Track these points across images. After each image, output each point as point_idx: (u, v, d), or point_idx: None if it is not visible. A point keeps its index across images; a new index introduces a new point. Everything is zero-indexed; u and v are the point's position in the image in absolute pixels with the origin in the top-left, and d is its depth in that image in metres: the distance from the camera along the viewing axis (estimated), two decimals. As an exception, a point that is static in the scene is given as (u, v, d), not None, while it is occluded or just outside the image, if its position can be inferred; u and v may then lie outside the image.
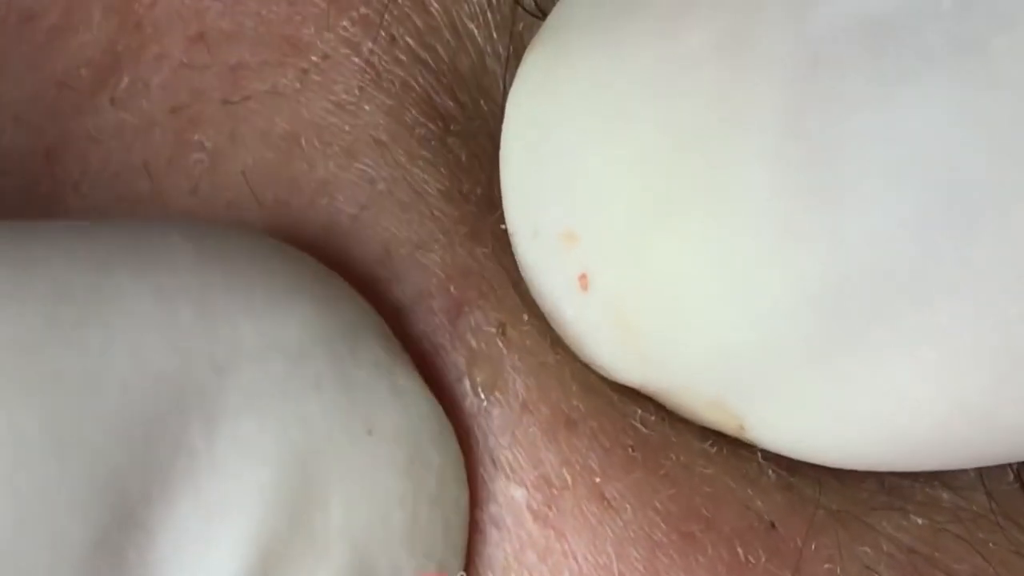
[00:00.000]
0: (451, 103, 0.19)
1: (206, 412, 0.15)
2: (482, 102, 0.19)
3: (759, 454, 0.18)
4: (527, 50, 0.18)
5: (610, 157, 0.17)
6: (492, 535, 0.18)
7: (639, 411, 0.18)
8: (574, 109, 0.17)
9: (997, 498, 0.18)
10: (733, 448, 0.18)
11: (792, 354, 0.15)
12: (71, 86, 0.20)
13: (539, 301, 0.18)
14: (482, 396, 0.18)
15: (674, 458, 0.18)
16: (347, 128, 0.19)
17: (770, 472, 0.18)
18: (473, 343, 0.18)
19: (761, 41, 0.15)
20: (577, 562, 0.18)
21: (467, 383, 0.18)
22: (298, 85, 0.19)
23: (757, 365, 0.16)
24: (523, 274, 0.18)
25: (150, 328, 0.15)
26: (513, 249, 0.18)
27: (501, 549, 0.18)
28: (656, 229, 0.16)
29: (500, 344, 0.18)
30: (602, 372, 0.18)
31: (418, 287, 0.19)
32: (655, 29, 0.16)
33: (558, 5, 0.18)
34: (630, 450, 0.18)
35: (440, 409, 0.17)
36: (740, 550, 0.18)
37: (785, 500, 0.18)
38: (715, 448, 0.18)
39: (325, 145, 0.19)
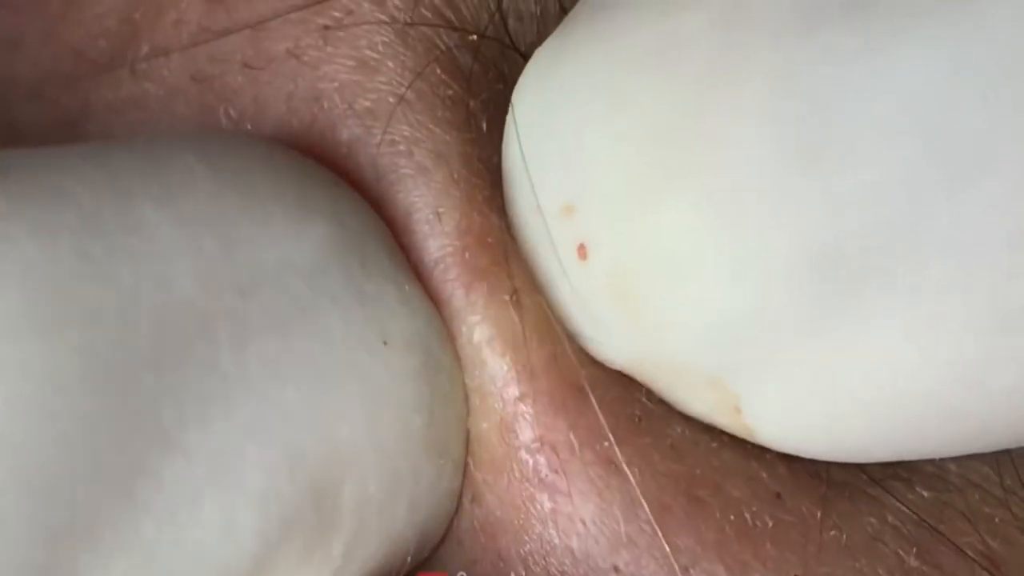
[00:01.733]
0: (475, 65, 0.19)
1: (234, 335, 0.15)
2: (504, 68, 0.19)
3: None
4: (539, 48, 0.18)
5: (609, 131, 0.16)
6: (495, 501, 0.18)
7: (644, 387, 0.18)
8: (575, 90, 0.17)
9: (1004, 467, 0.18)
10: None
11: (790, 318, 0.15)
12: (89, 57, 0.20)
13: (539, 278, 0.18)
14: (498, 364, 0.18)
15: (679, 431, 0.18)
16: (370, 87, 0.19)
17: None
18: (486, 310, 0.18)
19: (754, 14, 0.15)
20: (585, 525, 0.17)
21: (484, 350, 0.18)
22: (320, 42, 0.19)
23: (756, 331, 0.16)
24: (523, 251, 0.18)
25: (175, 258, 0.15)
26: (514, 229, 0.18)
27: (508, 513, 0.18)
28: (654, 196, 0.16)
29: (513, 313, 0.18)
30: (598, 353, 0.18)
31: (435, 254, 0.18)
32: (652, 14, 0.16)
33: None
34: (637, 420, 0.18)
35: (438, 313, 0.17)
36: (747, 516, 0.17)
37: (790, 473, 0.18)
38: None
39: (348, 105, 0.19)
